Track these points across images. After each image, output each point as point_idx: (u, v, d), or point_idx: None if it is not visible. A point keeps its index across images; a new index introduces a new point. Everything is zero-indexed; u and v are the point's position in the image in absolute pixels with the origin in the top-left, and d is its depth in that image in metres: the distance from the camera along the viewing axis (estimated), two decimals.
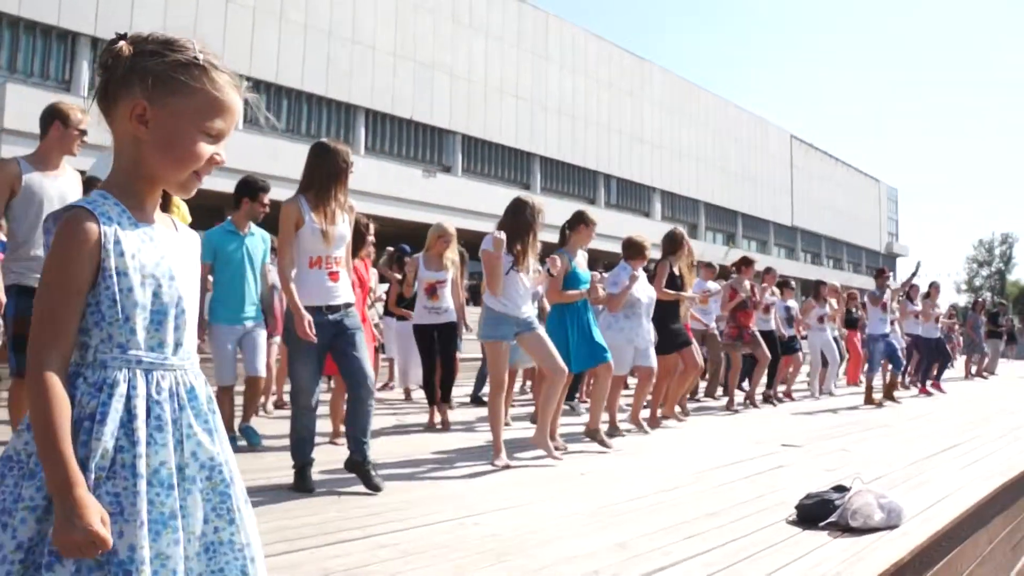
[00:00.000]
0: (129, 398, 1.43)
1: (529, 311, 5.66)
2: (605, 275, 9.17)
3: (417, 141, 33.41)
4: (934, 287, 14.18)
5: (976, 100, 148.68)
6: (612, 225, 26.56)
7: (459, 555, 3.29)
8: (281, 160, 26.46)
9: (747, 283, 9.86)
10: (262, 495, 4.24)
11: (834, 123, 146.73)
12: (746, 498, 4.44)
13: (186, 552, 1.45)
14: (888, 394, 11.23)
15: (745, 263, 9.96)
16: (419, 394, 9.93)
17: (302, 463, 4.47)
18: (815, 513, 3.85)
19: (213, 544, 1.51)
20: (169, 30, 1.53)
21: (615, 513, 4.04)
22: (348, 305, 4.56)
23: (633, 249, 7.40)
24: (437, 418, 7.33)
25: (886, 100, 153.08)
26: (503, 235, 5.47)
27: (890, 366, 11.51)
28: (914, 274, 12.87)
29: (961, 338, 21.98)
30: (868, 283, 55.21)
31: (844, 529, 3.73)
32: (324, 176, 4.46)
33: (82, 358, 1.45)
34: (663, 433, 7.44)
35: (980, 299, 20.02)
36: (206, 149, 1.52)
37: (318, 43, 29.76)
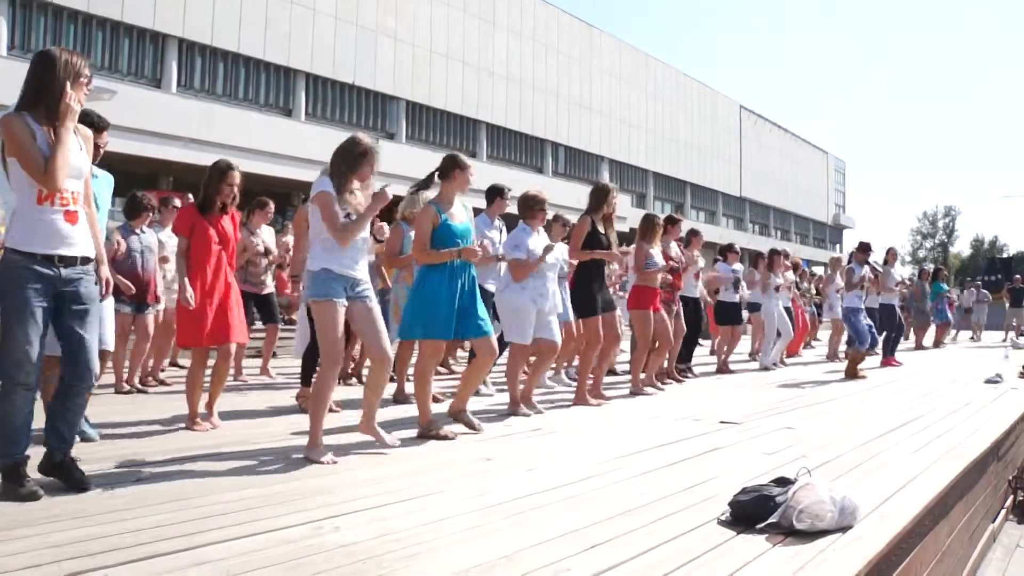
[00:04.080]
0: None
1: (364, 273, 4.66)
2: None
3: (359, 107, 32.24)
4: (891, 253, 13.57)
5: (925, 73, 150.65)
6: (561, 194, 25.81)
7: (298, 574, 2.56)
8: (217, 126, 25.27)
9: (672, 245, 9.10)
10: (76, 494, 3.49)
11: (783, 94, 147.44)
12: (672, 490, 3.74)
13: None
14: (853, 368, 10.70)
15: (670, 222, 9.09)
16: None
17: (13, 462, 3.45)
18: (752, 512, 3.16)
19: None
20: None
21: (512, 512, 3.31)
22: (86, 260, 3.63)
23: (527, 205, 6.56)
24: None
25: (835, 72, 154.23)
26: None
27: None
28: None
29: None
30: (815, 254, 55.62)
31: (787, 532, 3.05)
32: (55, 89, 3.50)
33: None
34: (593, 410, 6.76)
35: (925, 268, 19.66)
36: None
37: (256, 4, 28.37)
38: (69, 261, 3.54)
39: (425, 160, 31.87)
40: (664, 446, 4.97)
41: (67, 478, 3.59)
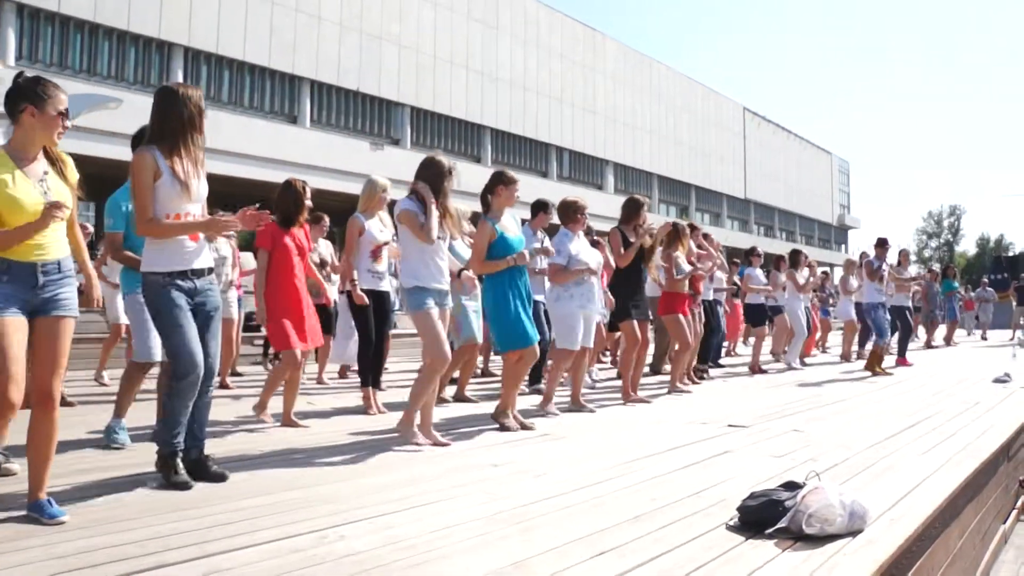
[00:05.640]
0: None
1: (447, 284, 5.17)
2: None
3: (364, 113, 32.34)
4: (903, 254, 13.56)
5: (927, 73, 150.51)
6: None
7: None
8: (223, 133, 25.32)
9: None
10: (82, 503, 3.46)
11: (786, 96, 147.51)
12: (681, 495, 3.72)
13: None
14: (878, 364, 10.75)
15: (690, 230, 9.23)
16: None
17: (172, 450, 3.85)
18: (761, 516, 3.14)
19: None
20: None
21: (520, 519, 3.30)
22: (211, 271, 4.02)
23: (568, 211, 6.75)
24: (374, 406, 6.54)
25: (838, 73, 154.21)
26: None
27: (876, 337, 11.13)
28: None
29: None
30: (820, 255, 55.46)
31: (797, 537, 3.03)
32: (178, 123, 3.79)
33: None
34: (602, 415, 6.75)
35: (933, 268, 19.59)
36: None
37: (260, 11, 28.48)
38: (199, 273, 3.91)
39: None
40: (672, 450, 4.95)
41: (205, 474, 3.93)
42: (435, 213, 4.99)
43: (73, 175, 3.45)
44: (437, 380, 5.08)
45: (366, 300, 6.44)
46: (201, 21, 26.77)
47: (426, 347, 5.03)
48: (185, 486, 3.75)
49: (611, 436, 5.61)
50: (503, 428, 5.63)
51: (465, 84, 35.56)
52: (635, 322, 7.29)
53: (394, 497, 3.67)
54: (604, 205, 33.58)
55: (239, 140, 25.55)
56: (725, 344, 13.26)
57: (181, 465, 3.84)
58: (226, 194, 20.85)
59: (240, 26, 27.87)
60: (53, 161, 3.36)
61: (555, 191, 28.18)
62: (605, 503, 3.60)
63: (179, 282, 3.81)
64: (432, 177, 5.10)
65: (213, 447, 4.77)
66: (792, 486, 3.34)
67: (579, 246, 6.70)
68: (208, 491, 3.75)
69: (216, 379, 7.39)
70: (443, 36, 34.63)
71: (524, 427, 5.73)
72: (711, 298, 10.24)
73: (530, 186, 28.85)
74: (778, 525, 3.07)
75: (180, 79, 26.37)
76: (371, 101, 32.34)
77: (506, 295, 5.61)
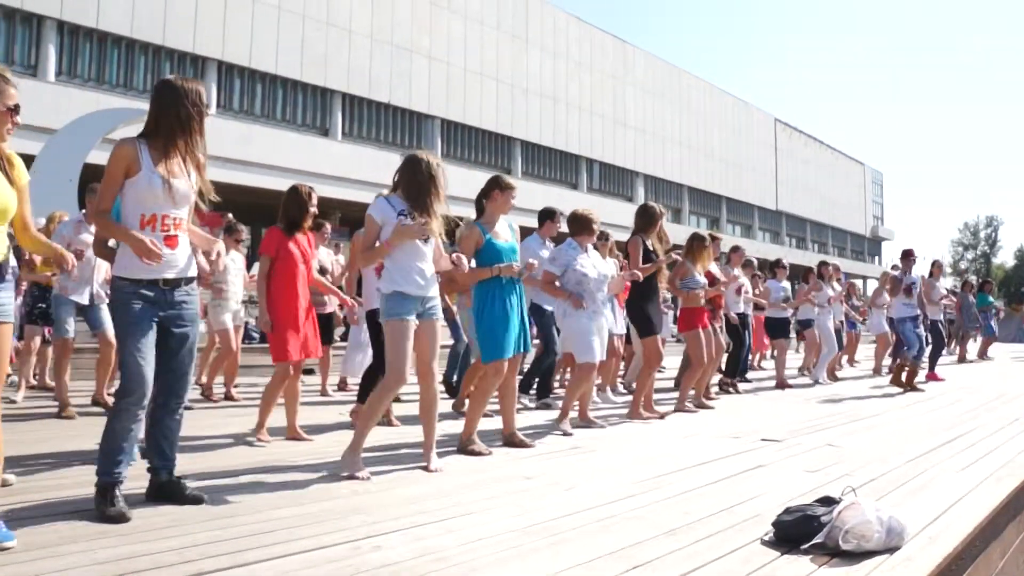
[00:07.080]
0: None
1: (435, 291, 4.76)
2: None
3: (395, 126, 32.57)
4: (936, 266, 13.33)
5: (961, 83, 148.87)
6: (596, 210, 25.73)
7: None
8: (255, 146, 25.64)
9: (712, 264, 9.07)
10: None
11: (818, 107, 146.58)
12: (714, 510, 3.70)
13: None
14: (910, 381, 10.56)
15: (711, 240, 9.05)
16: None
17: (111, 481, 3.46)
18: (797, 532, 3.11)
19: None
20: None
21: (552, 532, 3.29)
22: (189, 281, 3.73)
23: (579, 224, 6.60)
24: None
25: (871, 83, 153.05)
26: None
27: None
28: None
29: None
30: (853, 267, 54.87)
31: (833, 553, 3.00)
32: (174, 121, 3.58)
33: None
34: (634, 428, 6.72)
35: (969, 280, 19.30)
36: None
37: (292, 26, 28.85)
38: (174, 283, 3.64)
39: (461, 177, 31.88)
40: (705, 464, 4.92)
41: (177, 497, 3.69)
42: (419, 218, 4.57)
43: (22, 177, 3.30)
44: (389, 400, 4.67)
45: (356, 320, 6.50)
46: (234, 36, 27.17)
47: (388, 361, 4.55)
48: (121, 518, 3.35)
49: (642, 449, 5.59)
50: (473, 454, 5.16)
51: (495, 96, 35.69)
52: (658, 338, 7.24)
53: (426, 508, 3.68)
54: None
55: (271, 153, 25.85)
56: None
57: (120, 496, 3.45)
58: (258, 206, 21.14)
59: (272, 40, 28.23)
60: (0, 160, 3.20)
61: (586, 203, 28.09)
62: (637, 517, 3.57)
63: (146, 291, 3.56)
64: (411, 177, 4.60)
65: (237, 460, 4.85)
66: (828, 501, 3.31)
67: (587, 260, 6.53)
68: (241, 502, 3.77)
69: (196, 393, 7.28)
70: (473, 49, 34.82)
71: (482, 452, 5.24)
72: (741, 310, 10.13)
73: (560, 198, 28.89)
74: (814, 541, 3.04)
75: (214, 93, 26.76)
76: (402, 113, 32.58)
77: (490, 303, 5.29)
